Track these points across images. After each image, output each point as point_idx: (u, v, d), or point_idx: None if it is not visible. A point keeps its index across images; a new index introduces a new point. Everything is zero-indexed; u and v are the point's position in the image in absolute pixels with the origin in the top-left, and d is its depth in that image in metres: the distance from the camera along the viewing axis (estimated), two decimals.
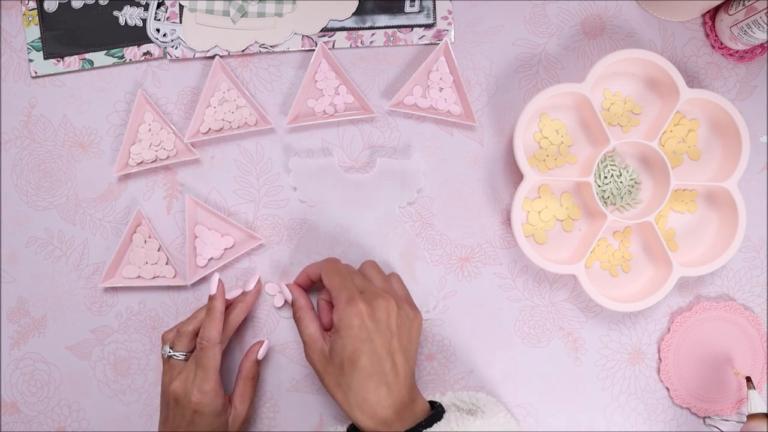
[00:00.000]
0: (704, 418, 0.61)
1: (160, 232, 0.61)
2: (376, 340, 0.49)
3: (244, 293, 0.58)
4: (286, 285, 0.58)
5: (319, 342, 0.52)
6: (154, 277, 0.59)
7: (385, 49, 0.62)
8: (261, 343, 0.58)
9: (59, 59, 0.61)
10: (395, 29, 0.61)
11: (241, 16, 0.61)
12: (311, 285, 0.58)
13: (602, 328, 0.61)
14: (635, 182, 0.61)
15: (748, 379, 0.58)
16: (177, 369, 0.54)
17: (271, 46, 0.61)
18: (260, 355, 0.57)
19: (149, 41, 0.61)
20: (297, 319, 0.54)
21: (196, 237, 0.59)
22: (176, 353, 0.55)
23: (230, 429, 0.55)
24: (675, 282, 0.57)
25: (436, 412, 0.50)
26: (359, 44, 0.61)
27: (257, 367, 0.57)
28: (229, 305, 0.57)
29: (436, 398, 0.56)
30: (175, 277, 0.60)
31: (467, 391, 0.59)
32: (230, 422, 0.55)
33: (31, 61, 0.61)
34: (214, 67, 0.59)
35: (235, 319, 0.56)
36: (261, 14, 0.61)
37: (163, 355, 0.56)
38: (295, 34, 0.61)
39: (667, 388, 0.61)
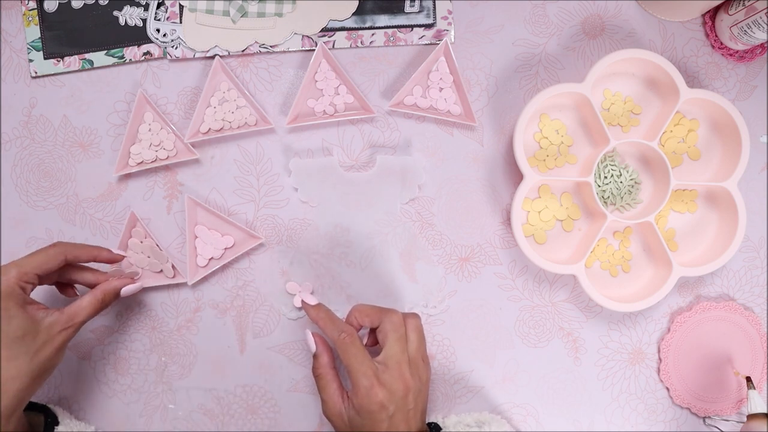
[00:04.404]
0: (704, 418, 0.61)
1: (161, 232, 0.61)
2: (395, 418, 0.49)
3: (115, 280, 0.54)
4: (313, 334, 0.54)
5: (338, 405, 0.51)
6: (151, 277, 0.59)
7: (385, 49, 0.62)
8: (133, 280, 0.55)
9: (59, 59, 0.61)
10: (395, 29, 0.61)
11: (241, 16, 0.61)
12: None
13: (602, 328, 0.61)
14: (635, 182, 0.61)
15: (748, 379, 0.58)
16: None
17: (271, 46, 0.61)
18: (123, 292, 0.54)
19: (149, 41, 0.61)
20: (317, 377, 0.52)
21: (196, 237, 0.59)
22: None
23: (42, 327, 0.48)
24: (675, 282, 0.57)
25: None
26: (359, 44, 0.61)
27: (113, 298, 0.54)
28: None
29: (439, 420, 0.57)
30: (174, 276, 0.60)
31: (470, 413, 0.59)
32: (45, 320, 0.49)
33: (31, 61, 0.61)
34: (214, 67, 0.59)
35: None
36: (261, 14, 0.61)
37: None
38: (295, 34, 0.61)
39: (667, 388, 0.61)
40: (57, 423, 0.54)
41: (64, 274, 0.54)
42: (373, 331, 0.54)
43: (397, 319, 0.51)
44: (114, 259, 0.56)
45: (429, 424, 0.54)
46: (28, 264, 0.49)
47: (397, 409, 0.49)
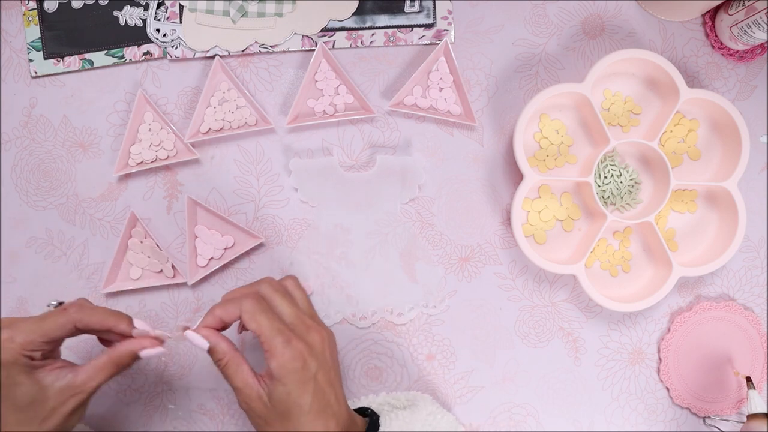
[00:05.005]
0: (704, 418, 0.61)
1: (161, 232, 0.61)
2: (318, 377, 0.46)
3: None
4: (196, 331, 0.47)
5: (255, 388, 0.46)
6: (151, 277, 0.59)
7: (385, 49, 0.62)
8: (156, 342, 0.48)
9: (59, 59, 0.61)
10: (395, 29, 0.61)
11: (241, 16, 0.61)
12: (224, 328, 0.49)
13: (602, 328, 0.61)
14: (635, 182, 0.61)
15: (748, 379, 0.58)
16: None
17: (271, 46, 0.61)
18: (144, 353, 0.48)
19: (149, 41, 0.61)
20: (224, 367, 0.47)
21: (196, 237, 0.59)
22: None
23: (51, 393, 0.45)
24: (675, 282, 0.57)
25: (371, 421, 0.50)
26: (359, 44, 0.61)
27: (131, 361, 0.48)
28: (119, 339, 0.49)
29: (370, 400, 0.57)
30: (174, 276, 0.60)
31: (403, 392, 0.59)
32: (55, 385, 0.45)
33: (31, 61, 0.61)
34: (214, 67, 0.59)
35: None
36: (261, 14, 0.61)
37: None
38: (295, 34, 0.61)
39: (667, 388, 0.61)
40: None
41: (82, 329, 0.48)
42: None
43: (264, 289, 0.48)
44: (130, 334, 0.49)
45: (360, 410, 0.52)
46: (34, 332, 0.45)
47: (319, 367, 0.46)
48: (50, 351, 0.47)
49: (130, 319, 0.48)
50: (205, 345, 0.47)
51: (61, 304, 0.50)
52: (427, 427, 0.53)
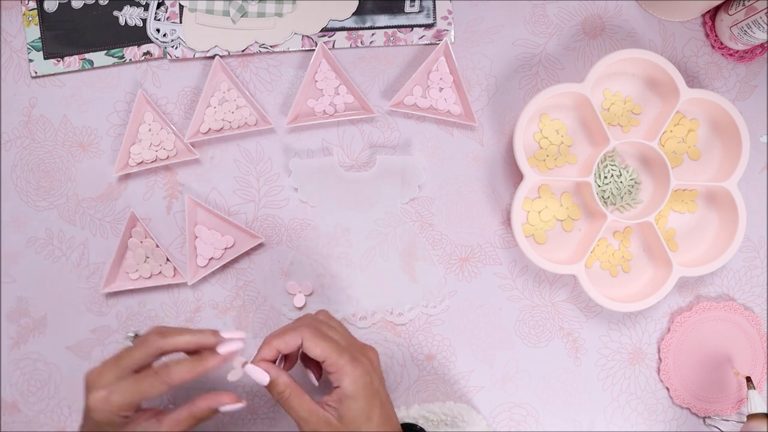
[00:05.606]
0: (704, 418, 0.61)
1: (161, 232, 0.61)
2: (380, 391, 0.48)
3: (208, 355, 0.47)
4: (255, 364, 0.47)
5: (321, 414, 0.47)
6: (151, 276, 0.59)
7: (385, 49, 0.62)
8: (236, 400, 0.48)
9: (59, 59, 0.61)
10: (395, 29, 0.61)
11: (241, 16, 0.61)
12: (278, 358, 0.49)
13: (602, 328, 0.61)
14: (635, 182, 0.61)
15: (748, 379, 0.58)
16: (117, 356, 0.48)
17: (271, 46, 0.61)
18: (224, 409, 0.48)
19: (149, 41, 0.61)
20: (287, 399, 0.47)
21: (197, 237, 0.59)
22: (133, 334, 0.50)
23: None
24: (675, 282, 0.57)
25: None
26: (359, 44, 0.61)
27: (211, 415, 0.48)
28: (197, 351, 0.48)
29: (402, 413, 0.57)
30: (174, 276, 0.60)
31: (436, 402, 0.59)
32: None
33: (31, 61, 0.61)
34: (214, 67, 0.59)
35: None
36: (261, 14, 0.61)
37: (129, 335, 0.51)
38: (295, 34, 0.61)
39: (667, 388, 0.61)
40: None
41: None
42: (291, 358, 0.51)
43: (311, 322, 0.49)
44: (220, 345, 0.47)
45: (408, 425, 0.54)
46: (131, 394, 0.45)
47: (379, 381, 0.48)
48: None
49: (215, 334, 0.48)
50: (266, 379, 0.47)
51: (137, 335, 0.50)
52: None
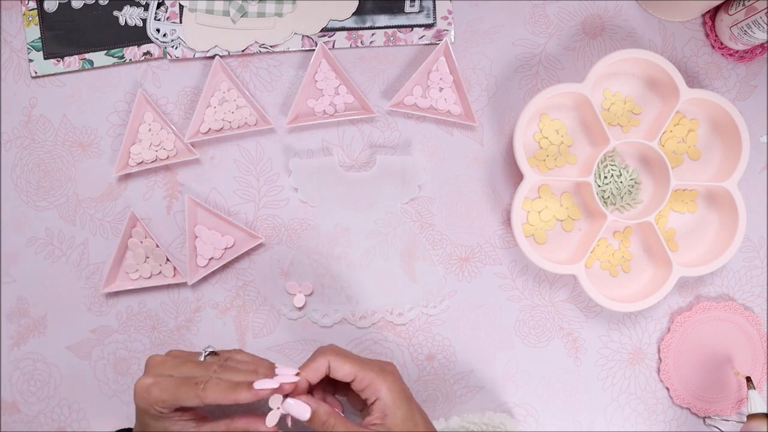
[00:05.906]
0: (704, 418, 0.61)
1: (161, 232, 0.61)
2: (413, 397, 0.49)
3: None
4: (293, 400, 0.46)
5: None
6: (151, 276, 0.59)
7: (385, 49, 0.62)
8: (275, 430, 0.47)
9: (59, 59, 0.61)
10: (395, 29, 0.61)
11: (241, 16, 0.61)
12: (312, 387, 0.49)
13: (602, 328, 0.61)
14: (635, 182, 0.61)
15: (748, 379, 0.58)
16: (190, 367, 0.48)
17: (271, 46, 0.61)
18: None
19: (149, 41, 0.61)
20: (330, 428, 0.46)
21: (196, 237, 0.59)
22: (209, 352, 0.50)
23: None
24: (675, 282, 0.57)
25: None
26: (359, 44, 0.61)
27: None
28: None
29: (442, 425, 0.57)
30: (174, 276, 0.60)
31: (475, 413, 0.59)
32: None
33: (31, 61, 0.61)
34: (214, 67, 0.59)
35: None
36: (261, 14, 0.61)
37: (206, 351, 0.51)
38: (295, 34, 0.61)
39: (667, 388, 0.61)
40: None
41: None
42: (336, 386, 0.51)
43: (333, 345, 0.49)
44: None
45: None
46: (168, 394, 0.46)
47: (409, 388, 0.49)
48: None
49: (270, 367, 0.48)
50: (307, 412, 0.46)
51: (214, 353, 0.50)
52: None
